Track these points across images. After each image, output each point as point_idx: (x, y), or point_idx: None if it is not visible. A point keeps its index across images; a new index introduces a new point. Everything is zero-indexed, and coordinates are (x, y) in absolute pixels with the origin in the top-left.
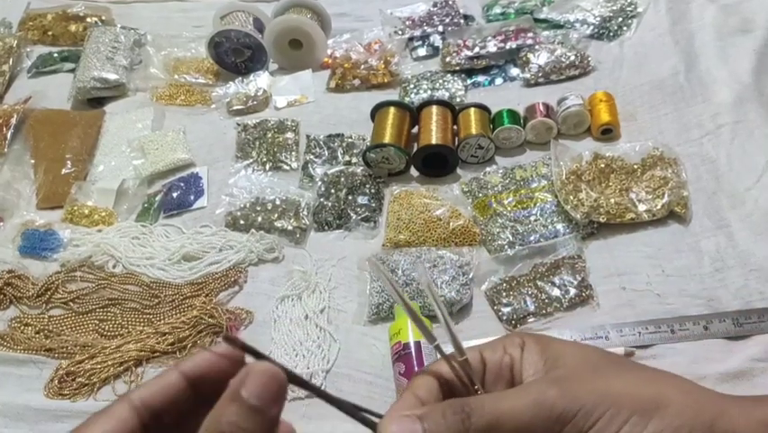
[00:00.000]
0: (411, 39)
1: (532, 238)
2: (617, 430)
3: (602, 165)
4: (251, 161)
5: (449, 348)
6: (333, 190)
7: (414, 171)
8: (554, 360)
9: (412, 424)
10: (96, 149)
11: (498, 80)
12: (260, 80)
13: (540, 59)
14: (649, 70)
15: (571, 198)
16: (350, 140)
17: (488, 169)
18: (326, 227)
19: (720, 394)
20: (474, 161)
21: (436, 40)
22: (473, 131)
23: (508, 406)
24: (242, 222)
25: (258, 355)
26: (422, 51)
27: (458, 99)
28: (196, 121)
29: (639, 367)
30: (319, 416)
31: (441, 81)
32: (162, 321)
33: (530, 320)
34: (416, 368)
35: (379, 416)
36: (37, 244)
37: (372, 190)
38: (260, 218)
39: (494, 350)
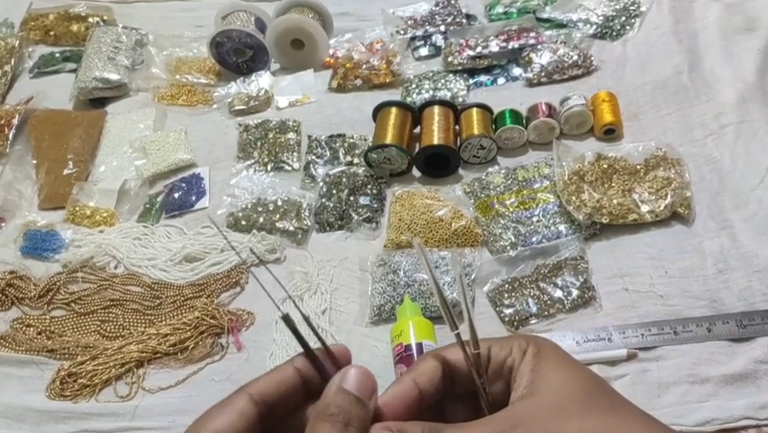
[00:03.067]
0: (413, 38)
1: (534, 239)
2: None
3: (605, 166)
4: (253, 161)
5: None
6: (334, 191)
7: (416, 172)
8: (539, 382)
9: None
10: (97, 149)
11: (501, 80)
12: (261, 80)
13: (542, 58)
14: (652, 70)
15: (574, 198)
16: (351, 140)
17: (490, 169)
18: (328, 228)
19: None
20: (476, 161)
21: (438, 39)
22: (475, 131)
23: None
24: (243, 222)
25: (322, 343)
26: (424, 51)
27: (460, 99)
28: (198, 121)
29: (614, 411)
30: None
31: (443, 81)
32: (164, 322)
33: (532, 322)
34: None
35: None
36: (39, 244)
37: (374, 191)
38: (261, 219)
39: (501, 348)
